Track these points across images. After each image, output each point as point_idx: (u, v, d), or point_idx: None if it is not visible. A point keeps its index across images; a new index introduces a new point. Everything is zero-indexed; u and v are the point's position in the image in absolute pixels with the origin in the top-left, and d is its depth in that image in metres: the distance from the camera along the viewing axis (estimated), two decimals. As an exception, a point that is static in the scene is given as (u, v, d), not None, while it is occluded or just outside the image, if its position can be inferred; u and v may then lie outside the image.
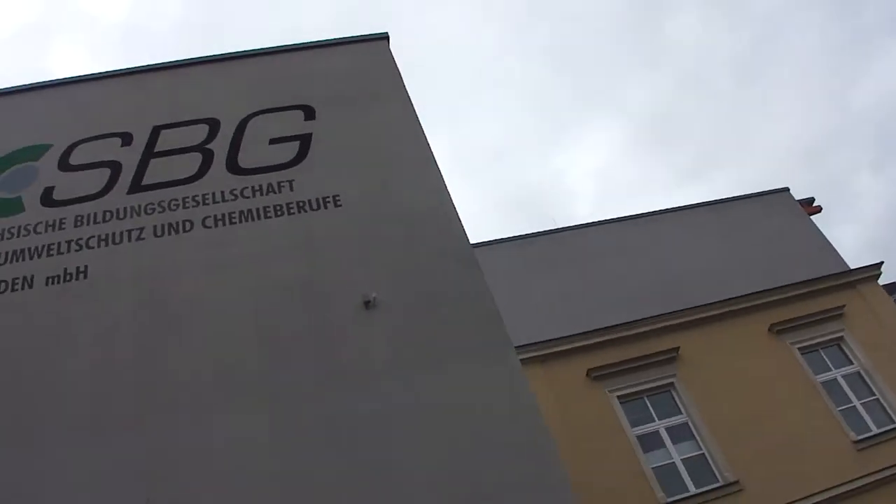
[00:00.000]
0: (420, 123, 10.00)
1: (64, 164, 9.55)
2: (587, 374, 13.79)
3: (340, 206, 9.03)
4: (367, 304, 8.04)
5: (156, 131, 9.85)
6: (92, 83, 10.35)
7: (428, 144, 9.76)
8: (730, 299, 14.82)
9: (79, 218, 9.01)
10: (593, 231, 16.59)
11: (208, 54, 10.58)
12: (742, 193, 17.69)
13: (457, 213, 9.05)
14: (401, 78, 10.53)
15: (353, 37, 11.03)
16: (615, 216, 16.91)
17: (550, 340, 13.80)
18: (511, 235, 16.07)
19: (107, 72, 10.45)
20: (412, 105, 10.21)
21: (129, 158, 9.58)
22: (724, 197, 17.46)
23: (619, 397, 13.72)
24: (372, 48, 10.93)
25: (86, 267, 8.60)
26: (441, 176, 9.40)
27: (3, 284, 8.46)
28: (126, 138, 9.79)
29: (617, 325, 14.29)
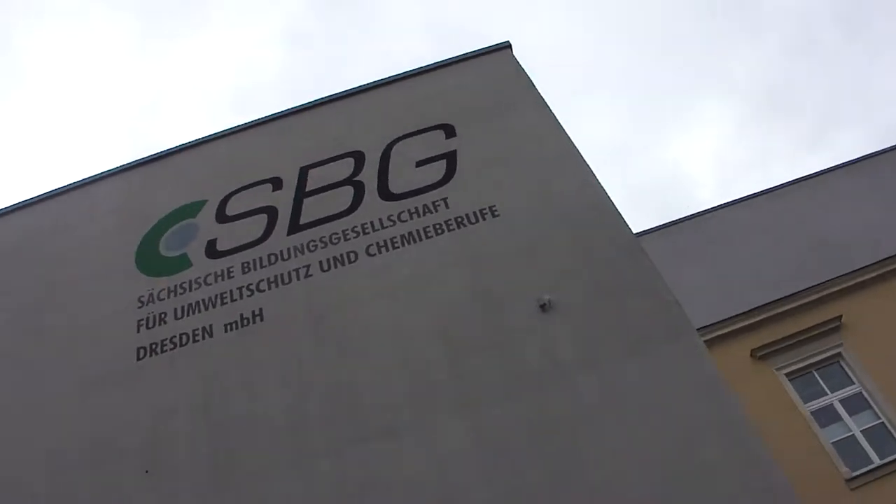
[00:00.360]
0: (559, 123, 9.82)
1: (221, 217, 9.77)
2: (751, 355, 13.25)
3: (498, 215, 8.94)
4: (542, 307, 7.93)
5: (304, 172, 9.99)
6: (235, 136, 10.64)
7: (571, 142, 9.57)
8: (887, 258, 13.93)
9: (245, 265, 9.17)
10: (732, 210, 15.98)
11: (340, 90, 10.70)
12: (873, 150, 16.67)
13: (613, 204, 8.81)
14: (531, 82, 10.44)
15: (476, 51, 11.02)
16: (748, 193, 16.25)
17: (711, 325, 13.28)
18: (650, 227, 15.63)
19: (247, 123, 10.71)
20: (547, 106, 10.09)
21: (283, 201, 9.72)
22: (859, 156, 16.48)
23: (787, 374, 13.11)
24: (497, 59, 10.89)
25: (260, 310, 8.72)
26: (591, 170, 9.19)
27: (185, 337, 8.66)
28: (276, 183, 9.95)
29: (775, 301, 13.66)
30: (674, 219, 16.09)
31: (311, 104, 10.79)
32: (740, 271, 14.64)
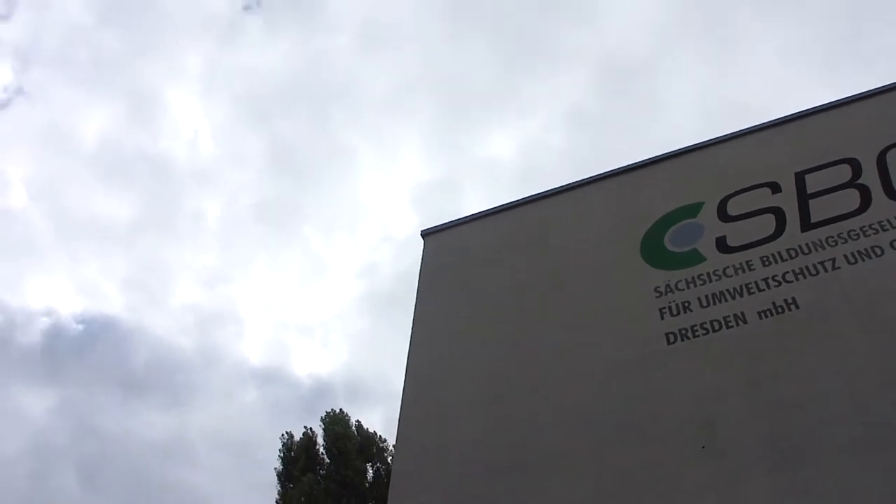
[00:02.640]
0: None
1: (724, 217, 10.03)
2: None
3: None
4: None
5: (799, 177, 10.00)
6: (726, 143, 10.98)
7: None
8: None
9: (764, 258, 9.30)
10: None
11: (829, 101, 10.71)
12: None
13: None
14: None
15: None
16: None
17: None
18: None
19: (736, 132, 11.06)
20: None
21: (787, 203, 9.79)
22: None
23: None
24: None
25: (793, 298, 8.74)
26: None
27: (716, 323, 8.89)
28: (774, 187, 10.07)
29: None
30: None
31: (799, 114, 10.89)
32: None
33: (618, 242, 10.37)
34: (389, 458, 33.23)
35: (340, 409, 33.51)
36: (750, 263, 9.36)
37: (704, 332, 8.90)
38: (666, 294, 9.46)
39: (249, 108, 63.80)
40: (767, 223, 9.74)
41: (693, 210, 10.32)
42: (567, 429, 8.58)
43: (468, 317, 10.37)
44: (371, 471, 32.56)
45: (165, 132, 60.98)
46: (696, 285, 9.42)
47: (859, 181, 9.69)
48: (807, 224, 9.52)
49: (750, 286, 9.12)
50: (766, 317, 8.75)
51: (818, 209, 9.62)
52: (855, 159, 9.95)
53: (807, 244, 9.27)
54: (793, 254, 9.25)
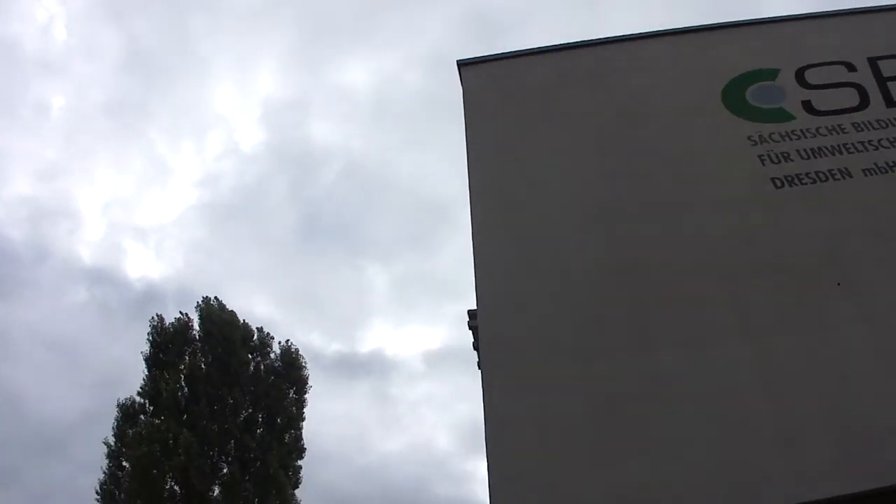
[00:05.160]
0: None
1: (804, 84, 9.95)
2: None
3: None
4: None
5: (873, 62, 10.12)
6: (801, 22, 10.89)
7: None
8: None
9: (856, 125, 9.37)
10: None
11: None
12: None
13: None
14: None
15: None
16: None
17: None
18: None
19: (811, 13, 11.04)
20: None
21: (865, 81, 9.88)
22: None
23: None
24: None
25: (894, 162, 8.80)
26: None
27: (821, 175, 8.82)
28: (849, 66, 10.11)
29: None
30: None
31: (866, 9, 11.01)
32: None
33: (697, 90, 10.01)
34: (272, 354, 31.25)
35: (216, 298, 30.83)
36: (842, 127, 9.38)
37: (811, 181, 8.85)
38: (760, 143, 9.26)
39: (109, 2, 58.34)
40: (851, 95, 9.80)
41: (771, 74, 10.15)
42: (689, 258, 8.06)
43: (544, 148, 9.53)
44: (252, 364, 30.44)
45: (16, 14, 54.35)
46: (790, 139, 9.30)
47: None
48: (890, 101, 9.64)
49: (848, 146, 9.16)
50: (872, 175, 8.74)
51: (896, 91, 9.71)
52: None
53: (895, 118, 9.31)
54: (883, 124, 9.39)
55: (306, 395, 30.60)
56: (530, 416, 6.72)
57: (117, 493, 25.87)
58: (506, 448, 6.55)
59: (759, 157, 9.11)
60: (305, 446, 29.37)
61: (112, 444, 27.31)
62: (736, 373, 6.95)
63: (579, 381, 6.95)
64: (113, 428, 27.85)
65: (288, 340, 31.41)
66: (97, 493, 26.06)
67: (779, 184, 8.79)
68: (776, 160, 9.05)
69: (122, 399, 28.08)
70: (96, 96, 58.52)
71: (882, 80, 9.95)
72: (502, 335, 7.59)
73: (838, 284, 7.75)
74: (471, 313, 11.67)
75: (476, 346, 11.98)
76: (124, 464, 26.49)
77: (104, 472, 26.25)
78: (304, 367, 31.66)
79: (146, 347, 28.99)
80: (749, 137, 9.34)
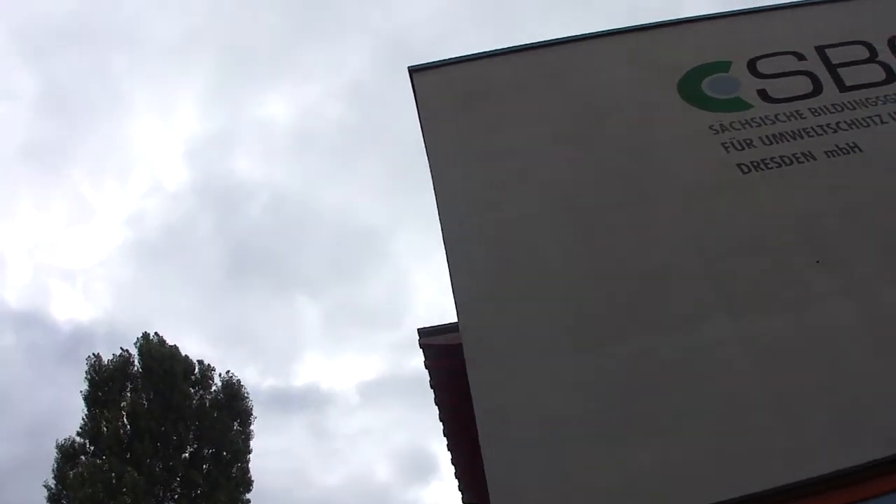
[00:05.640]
0: None
1: (757, 74, 10.05)
2: None
3: None
4: None
5: (821, 50, 10.29)
6: (747, 16, 10.99)
7: None
8: None
9: (813, 110, 9.44)
10: None
11: None
12: None
13: None
14: None
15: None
16: None
17: None
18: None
19: (757, 7, 11.11)
20: None
21: (817, 69, 10.02)
22: None
23: None
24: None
25: (854, 143, 8.93)
26: None
27: (786, 159, 8.87)
28: (799, 56, 10.26)
29: None
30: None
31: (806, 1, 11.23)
32: None
33: (653, 85, 10.01)
34: (213, 388, 30.29)
35: (156, 333, 29.90)
36: (800, 113, 9.49)
37: (777, 165, 8.88)
38: (722, 132, 9.30)
39: (26, 42, 57.21)
40: (804, 83, 9.93)
41: (723, 66, 10.25)
42: (669, 243, 7.95)
43: (506, 147, 9.35)
44: (196, 399, 29.42)
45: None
46: (751, 126, 9.37)
47: (878, 59, 10.07)
48: (843, 87, 9.79)
49: (808, 131, 9.27)
50: (834, 156, 8.82)
51: (849, 76, 9.90)
52: (868, 42, 10.34)
53: (850, 101, 9.59)
54: (839, 108, 9.50)
55: (251, 427, 30.02)
56: (523, 409, 6.47)
57: (61, 536, 24.67)
58: (501, 443, 6.27)
59: (723, 144, 9.11)
60: (253, 479, 28.86)
61: (52, 486, 26.20)
62: (727, 353, 6.82)
63: (570, 371, 6.73)
64: (53, 470, 26.79)
65: (228, 371, 30.98)
66: (41, 538, 24.85)
67: (745, 169, 8.79)
68: (739, 147, 9.07)
69: (60, 440, 27.05)
70: (14, 137, 57.21)
71: (832, 67, 10.09)
72: (485, 334, 7.31)
73: (817, 262, 7.72)
74: (421, 332, 11.35)
75: (427, 366, 11.69)
76: (66, 506, 25.36)
77: (46, 518, 25.09)
78: (248, 397, 31.12)
79: (84, 387, 28.17)
80: (710, 127, 9.35)
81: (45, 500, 25.41)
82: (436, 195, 8.95)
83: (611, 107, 9.82)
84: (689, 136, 9.28)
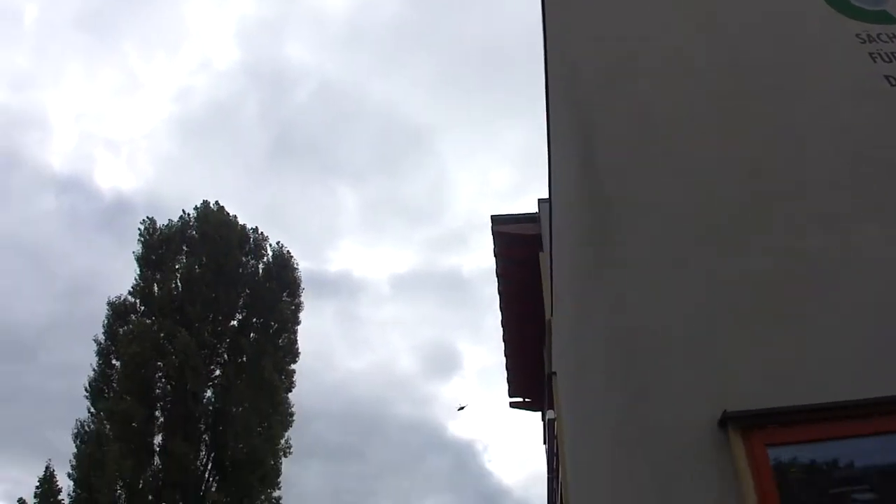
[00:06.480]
0: None
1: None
2: None
3: None
4: None
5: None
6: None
7: None
8: None
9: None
10: None
11: None
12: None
13: None
14: None
15: None
16: None
17: None
18: None
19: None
20: None
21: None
22: None
23: None
24: None
25: None
26: None
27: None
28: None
29: None
30: None
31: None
32: None
33: (798, -10, 9.55)
34: (265, 258, 30.71)
35: (217, 202, 29.99)
36: (955, 32, 9.02)
37: (933, 81, 8.49)
38: (869, 42, 8.97)
39: None
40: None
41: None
42: (807, 145, 7.81)
43: (641, 26, 9.06)
44: (249, 267, 29.88)
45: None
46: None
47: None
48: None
49: (963, 50, 8.81)
50: None
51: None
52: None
53: None
54: None
55: (300, 298, 30.24)
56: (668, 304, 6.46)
57: (107, 391, 25.48)
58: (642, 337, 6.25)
59: (870, 54, 8.85)
60: (300, 350, 29.14)
61: (102, 342, 26.85)
62: (876, 255, 6.78)
63: (716, 268, 6.71)
64: (103, 326, 27.39)
65: (279, 242, 30.90)
66: (86, 390, 25.67)
67: (893, 82, 8.54)
68: (887, 59, 8.80)
69: (112, 298, 27.54)
70: (69, 7, 56.81)
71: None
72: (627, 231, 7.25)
73: None
74: (494, 218, 11.12)
75: (496, 253, 11.48)
76: (114, 362, 26.04)
77: (93, 370, 25.80)
78: (297, 268, 31.32)
79: (136, 248, 28.38)
80: (857, 35, 9.07)
81: (92, 354, 26.11)
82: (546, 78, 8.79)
83: (755, 6, 9.57)
84: (835, 41, 9.03)
